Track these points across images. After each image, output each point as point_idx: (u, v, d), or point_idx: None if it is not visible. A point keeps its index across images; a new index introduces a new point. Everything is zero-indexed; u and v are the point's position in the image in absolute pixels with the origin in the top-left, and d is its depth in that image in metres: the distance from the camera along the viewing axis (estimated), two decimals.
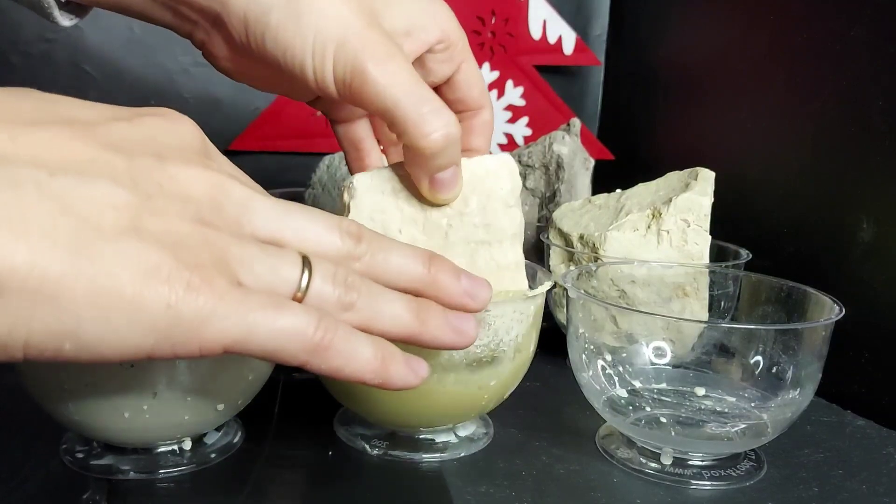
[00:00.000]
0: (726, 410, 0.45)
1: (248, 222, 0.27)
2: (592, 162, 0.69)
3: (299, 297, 0.26)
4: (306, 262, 0.27)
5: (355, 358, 0.27)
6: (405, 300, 0.29)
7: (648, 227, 0.52)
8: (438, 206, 0.38)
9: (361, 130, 0.45)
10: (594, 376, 0.44)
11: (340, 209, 0.39)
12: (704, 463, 0.42)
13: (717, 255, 0.55)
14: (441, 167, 0.36)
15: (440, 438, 0.44)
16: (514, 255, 0.40)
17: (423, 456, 0.42)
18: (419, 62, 0.41)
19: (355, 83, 0.34)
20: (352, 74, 0.34)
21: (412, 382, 0.29)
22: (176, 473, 0.39)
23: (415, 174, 0.37)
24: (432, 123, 0.34)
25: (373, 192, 0.38)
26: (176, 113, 0.29)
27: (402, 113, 0.34)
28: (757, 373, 0.43)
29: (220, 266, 0.25)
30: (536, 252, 0.65)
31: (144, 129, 0.27)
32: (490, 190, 0.38)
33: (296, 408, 0.48)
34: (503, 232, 0.39)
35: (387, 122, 0.35)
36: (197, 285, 0.24)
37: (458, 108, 0.43)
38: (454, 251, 0.38)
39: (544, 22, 0.82)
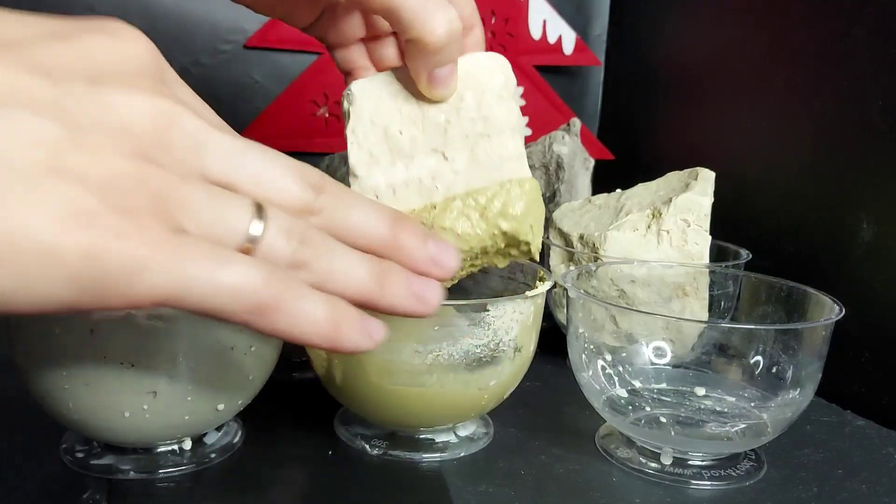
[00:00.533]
0: (726, 410, 0.45)
1: (199, 161, 0.24)
2: (592, 162, 0.69)
3: (247, 250, 0.24)
4: (260, 211, 0.24)
5: (304, 321, 0.24)
6: (365, 260, 0.27)
7: (648, 227, 0.52)
8: (436, 104, 0.38)
9: (357, 56, 0.44)
10: (594, 376, 0.44)
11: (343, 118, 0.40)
12: (704, 463, 0.42)
13: (717, 255, 0.55)
14: (442, 62, 0.36)
15: (440, 438, 0.44)
16: (515, 146, 0.39)
17: (423, 456, 0.42)
18: None
19: None
20: None
21: (365, 346, 0.26)
22: (176, 473, 0.39)
23: (414, 70, 0.37)
24: (437, 18, 0.34)
25: (370, 97, 0.39)
26: (127, 27, 0.24)
27: (409, 6, 0.34)
28: (757, 373, 0.43)
29: (159, 210, 0.22)
30: None
31: (83, 49, 0.23)
32: (484, 84, 0.39)
33: (296, 408, 0.48)
34: (501, 124, 0.39)
35: (390, 21, 0.36)
36: (126, 232, 0.21)
37: None
38: (454, 146, 0.39)
39: (544, 22, 0.82)
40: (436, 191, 0.39)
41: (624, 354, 0.46)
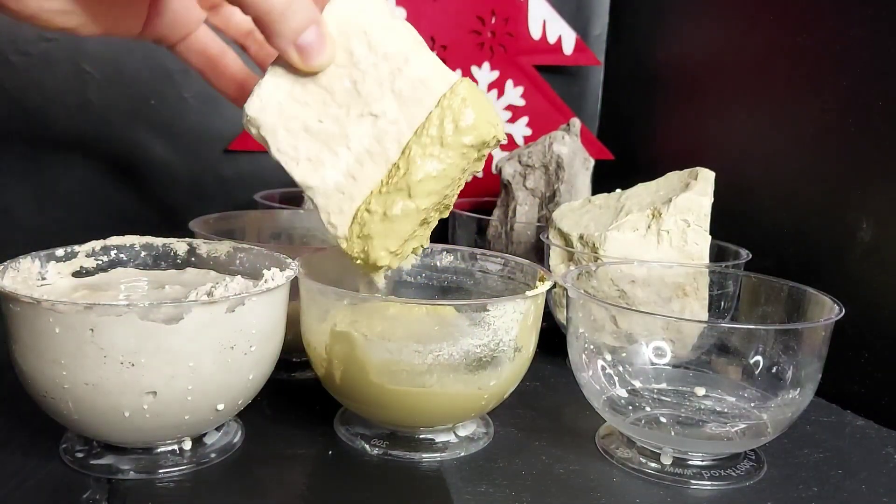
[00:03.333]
0: (726, 410, 0.45)
1: None
2: (592, 162, 0.69)
3: None
4: None
5: None
6: None
7: (648, 227, 0.52)
8: (332, 72, 0.37)
9: (203, 38, 0.43)
10: (594, 376, 0.44)
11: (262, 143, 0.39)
12: (704, 463, 0.42)
13: (716, 254, 0.55)
14: (297, 29, 0.35)
15: (440, 438, 0.44)
16: (426, 60, 0.38)
17: (423, 456, 0.42)
18: None
19: None
20: None
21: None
22: (176, 473, 0.39)
23: (280, 49, 0.36)
24: None
25: (269, 110, 0.37)
26: None
27: None
28: (757, 373, 0.43)
29: None
30: (536, 252, 0.65)
31: None
32: (363, 25, 0.37)
33: (296, 408, 0.48)
34: (401, 51, 0.37)
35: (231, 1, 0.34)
36: None
37: None
38: (376, 100, 0.38)
39: (544, 22, 0.82)
40: (389, 150, 0.38)
41: (624, 354, 0.46)
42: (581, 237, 0.54)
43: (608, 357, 0.45)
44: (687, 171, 0.56)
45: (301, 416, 0.46)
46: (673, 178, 0.56)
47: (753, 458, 0.44)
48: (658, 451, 0.43)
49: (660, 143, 0.79)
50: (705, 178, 0.54)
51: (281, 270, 0.41)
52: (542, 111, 0.83)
